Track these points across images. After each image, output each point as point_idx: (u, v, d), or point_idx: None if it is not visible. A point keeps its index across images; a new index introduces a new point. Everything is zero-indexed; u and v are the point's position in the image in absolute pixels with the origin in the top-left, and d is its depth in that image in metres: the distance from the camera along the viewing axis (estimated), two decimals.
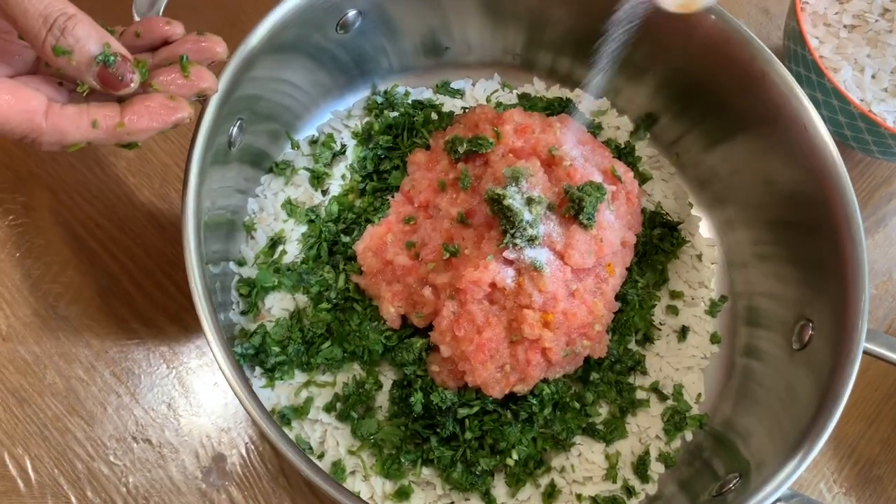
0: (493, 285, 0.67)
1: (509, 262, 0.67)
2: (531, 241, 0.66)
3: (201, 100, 0.59)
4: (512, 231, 0.66)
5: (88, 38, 0.50)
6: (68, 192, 0.80)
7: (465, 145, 0.72)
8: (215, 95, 0.63)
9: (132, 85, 0.52)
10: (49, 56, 0.50)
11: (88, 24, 0.50)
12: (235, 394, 0.57)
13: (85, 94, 0.53)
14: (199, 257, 0.59)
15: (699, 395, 0.78)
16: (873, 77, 0.85)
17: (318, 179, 0.79)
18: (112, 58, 0.51)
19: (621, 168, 0.74)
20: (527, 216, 0.66)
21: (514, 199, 0.66)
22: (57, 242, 0.79)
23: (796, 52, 0.84)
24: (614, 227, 0.70)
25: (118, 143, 0.53)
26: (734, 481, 0.65)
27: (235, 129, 0.69)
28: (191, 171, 0.61)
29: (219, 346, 0.57)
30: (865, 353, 0.65)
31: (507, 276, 0.67)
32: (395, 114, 0.83)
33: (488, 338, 0.66)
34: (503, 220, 0.66)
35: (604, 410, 0.75)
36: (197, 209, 0.61)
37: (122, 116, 0.52)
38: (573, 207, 0.67)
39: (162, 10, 0.65)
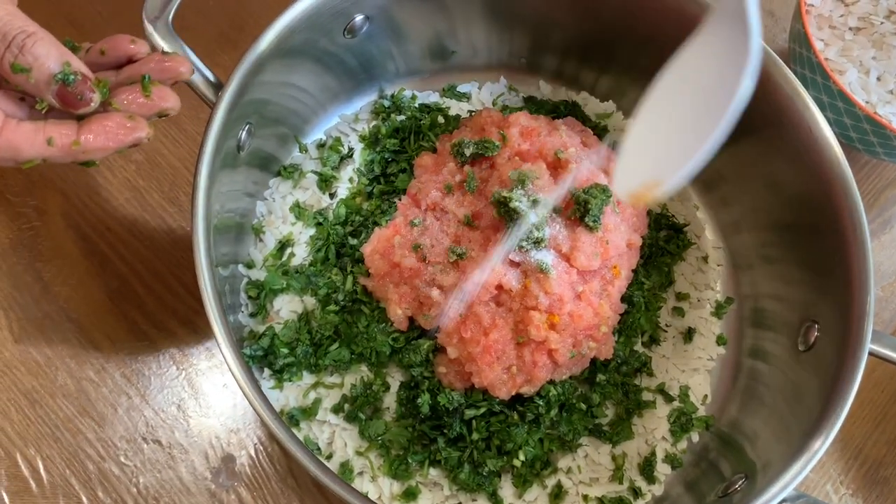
0: (499, 287, 0.67)
1: (516, 265, 0.68)
2: (537, 243, 0.67)
3: (202, 98, 0.59)
4: (518, 233, 0.66)
5: (48, 57, 0.50)
6: (79, 195, 0.81)
7: (471, 148, 0.73)
8: (224, 100, 0.64)
9: (92, 104, 0.52)
10: (7, 73, 0.50)
11: (48, 42, 0.50)
12: (245, 395, 0.57)
13: (44, 111, 0.52)
14: (208, 260, 0.60)
15: (705, 396, 0.78)
16: (879, 79, 0.85)
17: (325, 182, 0.80)
18: (72, 76, 0.51)
19: None
20: (533, 218, 0.66)
21: (521, 202, 0.67)
22: (68, 246, 0.79)
23: (801, 54, 0.84)
24: (620, 229, 0.71)
25: (74, 161, 0.53)
26: (740, 482, 0.65)
27: (244, 133, 0.70)
28: (200, 175, 0.61)
29: (228, 347, 0.58)
30: (871, 354, 0.65)
31: (513, 278, 0.67)
32: (402, 117, 0.83)
33: (495, 339, 0.67)
34: (509, 222, 0.67)
35: (610, 412, 0.75)
36: (206, 212, 0.61)
37: (78, 135, 0.52)
38: (579, 210, 0.68)
39: (172, 14, 0.66)
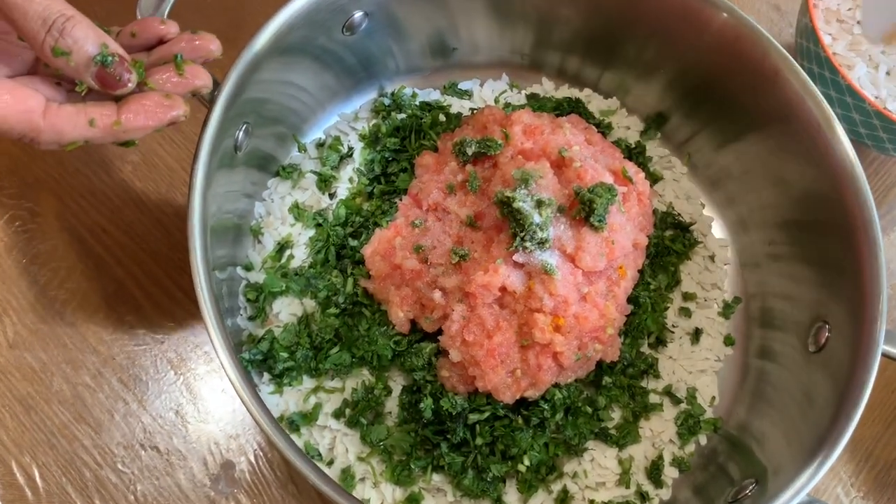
0: (503, 289, 0.66)
1: (519, 266, 0.66)
2: (541, 244, 0.65)
3: (199, 98, 0.60)
4: (522, 234, 0.65)
5: (86, 40, 0.51)
6: (74, 197, 0.80)
7: (473, 147, 0.71)
8: (221, 99, 0.62)
9: (130, 84, 0.53)
10: (48, 57, 0.50)
11: (86, 25, 0.51)
12: (242, 401, 0.56)
13: (83, 93, 0.53)
14: (205, 263, 0.58)
15: (713, 398, 0.77)
16: (888, 73, 0.84)
17: (325, 183, 0.78)
18: (110, 58, 0.51)
19: (632, 168, 0.73)
20: (536, 219, 0.65)
21: (524, 202, 0.65)
22: (63, 248, 0.78)
23: (809, 49, 0.82)
24: (626, 229, 0.69)
25: (115, 142, 0.54)
26: (750, 487, 0.64)
27: (241, 132, 0.68)
28: (196, 176, 0.60)
29: (225, 352, 0.57)
30: (884, 355, 0.63)
31: (517, 280, 0.66)
32: (403, 116, 0.82)
33: (498, 342, 0.65)
34: (513, 223, 0.65)
35: (616, 415, 0.74)
36: (203, 214, 0.60)
37: (118, 115, 0.53)
38: (584, 209, 0.66)
39: (167, 13, 0.65)
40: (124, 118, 0.53)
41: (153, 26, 0.58)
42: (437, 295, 0.68)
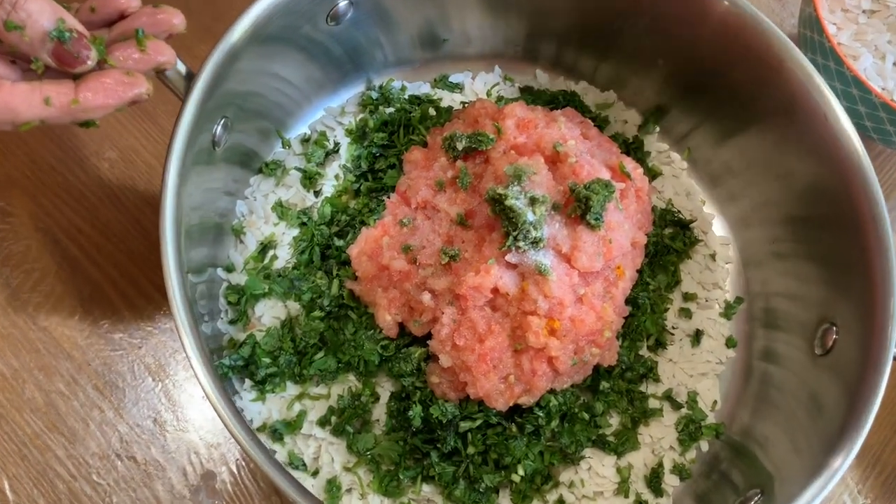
0: (495, 291, 0.63)
1: (512, 266, 0.63)
2: (535, 243, 0.62)
3: (174, 89, 0.58)
4: (515, 233, 0.62)
5: (42, 13, 0.48)
6: (49, 196, 0.77)
7: (464, 142, 0.68)
8: (196, 91, 0.59)
9: (89, 62, 0.51)
10: (1, 32, 0.48)
11: None
12: (216, 410, 0.53)
13: (40, 72, 0.51)
14: (178, 264, 0.56)
15: (715, 402, 0.74)
16: (895, 64, 0.80)
17: (310, 180, 0.75)
18: (67, 34, 0.49)
19: (630, 164, 0.70)
20: (530, 217, 0.62)
21: (517, 200, 0.62)
22: (37, 249, 0.75)
23: (812, 39, 0.79)
24: (623, 227, 0.66)
25: (74, 122, 0.52)
26: (756, 497, 0.61)
27: (219, 127, 0.65)
28: (169, 171, 0.57)
29: (198, 358, 0.54)
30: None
31: (509, 281, 0.63)
32: (391, 110, 0.79)
33: (491, 347, 0.62)
34: (505, 222, 0.62)
35: (614, 421, 0.71)
36: (177, 212, 0.57)
37: (76, 93, 0.50)
38: (580, 207, 0.63)
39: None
40: (82, 97, 0.50)
41: (114, 0, 0.55)
42: (427, 297, 0.65)
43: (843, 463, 0.56)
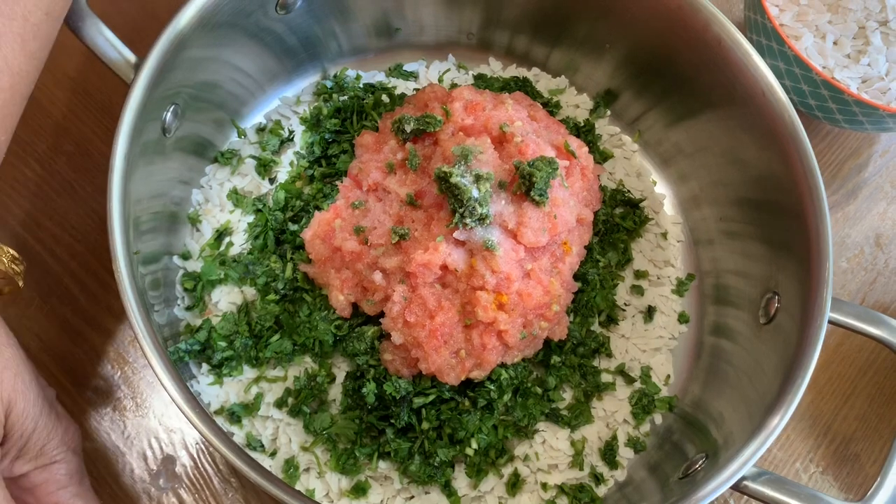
0: (444, 267, 0.64)
1: (461, 244, 0.65)
2: (482, 220, 0.63)
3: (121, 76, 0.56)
4: (461, 210, 0.63)
5: None
6: (6, 190, 0.77)
7: (412, 124, 0.69)
8: (142, 77, 0.60)
9: None
10: None
11: None
12: (167, 391, 0.54)
13: None
14: (126, 250, 0.56)
15: (668, 376, 0.75)
16: (835, 43, 0.83)
17: (265, 168, 0.76)
18: None
19: (575, 143, 0.72)
20: (475, 194, 0.63)
21: (463, 178, 0.63)
22: None
23: (757, 21, 0.81)
24: (569, 204, 0.67)
25: None
26: (701, 461, 0.62)
27: (169, 114, 0.66)
28: (115, 157, 0.58)
29: (150, 342, 0.54)
30: (832, 322, 0.62)
31: (458, 258, 0.64)
32: (345, 98, 0.80)
33: (441, 322, 0.63)
34: (452, 200, 0.64)
35: (567, 395, 0.72)
36: (124, 199, 0.58)
37: None
38: (524, 184, 0.64)
39: None
40: None
41: None
42: (378, 276, 0.66)
43: (780, 422, 0.57)
